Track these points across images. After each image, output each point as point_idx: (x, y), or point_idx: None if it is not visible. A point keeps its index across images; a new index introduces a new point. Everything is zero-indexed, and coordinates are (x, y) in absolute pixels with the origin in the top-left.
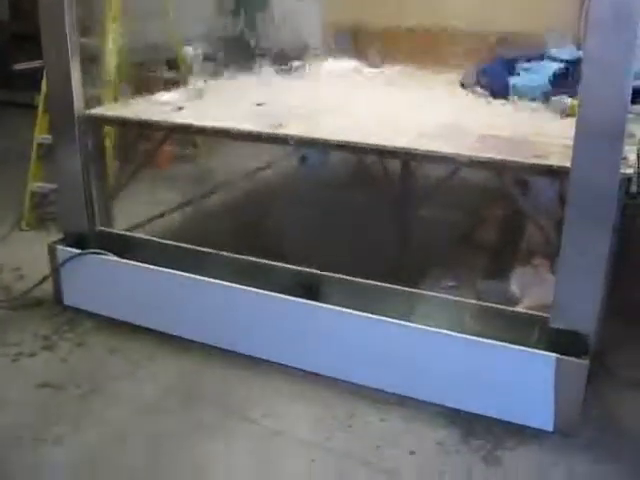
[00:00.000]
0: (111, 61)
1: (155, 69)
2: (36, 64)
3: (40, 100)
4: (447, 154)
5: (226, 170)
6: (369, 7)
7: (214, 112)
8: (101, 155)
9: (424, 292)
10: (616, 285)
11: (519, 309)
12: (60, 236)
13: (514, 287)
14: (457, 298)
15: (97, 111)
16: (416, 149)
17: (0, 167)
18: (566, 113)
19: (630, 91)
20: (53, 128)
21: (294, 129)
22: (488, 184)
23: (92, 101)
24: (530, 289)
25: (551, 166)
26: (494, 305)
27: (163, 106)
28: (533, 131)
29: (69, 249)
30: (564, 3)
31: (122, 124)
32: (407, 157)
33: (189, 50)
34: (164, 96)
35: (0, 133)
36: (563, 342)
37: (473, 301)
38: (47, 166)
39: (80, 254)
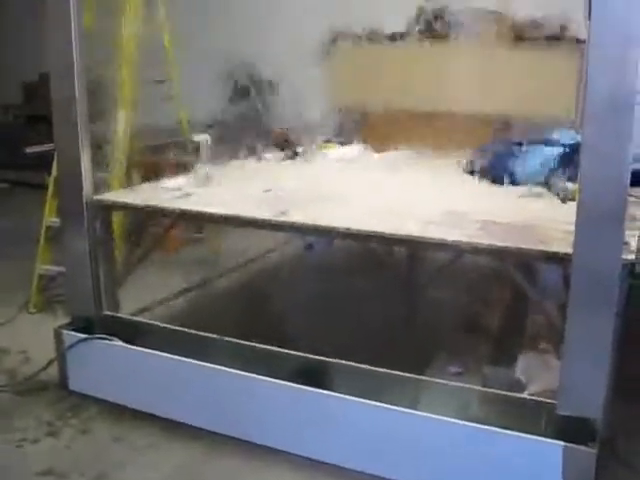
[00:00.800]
0: (120, 147)
1: (163, 153)
2: (47, 148)
3: (50, 183)
4: (450, 242)
5: (233, 254)
6: (373, 91)
7: (221, 199)
8: (109, 239)
9: (430, 379)
10: (623, 366)
11: (525, 396)
12: (67, 319)
13: (520, 373)
14: (463, 385)
15: (106, 197)
16: (419, 237)
17: (9, 248)
18: (568, 198)
19: (629, 176)
20: (62, 212)
21: (299, 216)
22: (492, 268)
23: (101, 185)
24: (536, 375)
25: (553, 252)
26: (500, 392)
27: (171, 192)
28: (535, 216)
29: (75, 334)
30: (563, 87)
31: (130, 210)
32: (411, 245)
33: (197, 137)
34: (172, 182)
35: (10, 213)
36: (570, 429)
37: (479, 388)
38: (55, 248)
39: (86, 339)
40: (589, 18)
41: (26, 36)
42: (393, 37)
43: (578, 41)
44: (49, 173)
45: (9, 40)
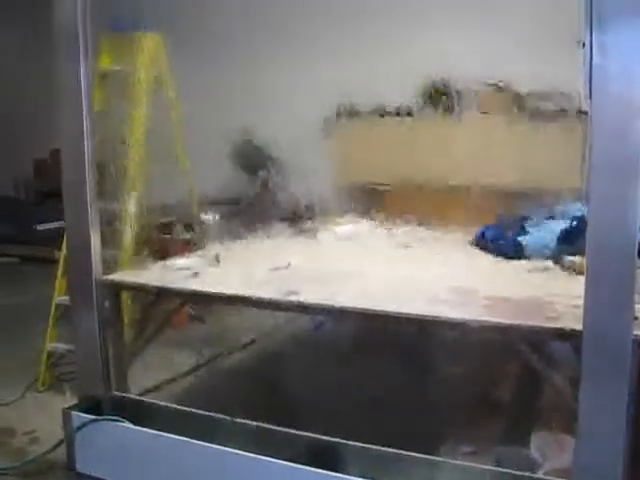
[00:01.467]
0: (130, 225)
1: (173, 231)
2: (57, 225)
3: (60, 261)
4: (457, 320)
5: (241, 330)
6: (380, 167)
7: (230, 278)
8: (118, 319)
9: (442, 459)
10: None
11: (541, 476)
12: (76, 398)
13: (534, 451)
14: (476, 465)
15: (115, 277)
16: (426, 316)
17: (18, 324)
18: (577, 271)
19: (637, 247)
20: (71, 291)
21: (308, 295)
22: (503, 344)
23: (110, 263)
24: (551, 453)
25: (563, 329)
26: (514, 472)
27: (180, 272)
28: (544, 292)
29: (83, 415)
30: (568, 158)
31: (139, 290)
32: (418, 324)
33: (205, 216)
34: (181, 261)
35: (20, 289)
36: None
37: (492, 468)
38: (65, 326)
39: (94, 420)
40: (590, 97)
41: (37, 113)
42: (398, 112)
43: (582, 112)
44: (59, 248)
45: (21, 116)
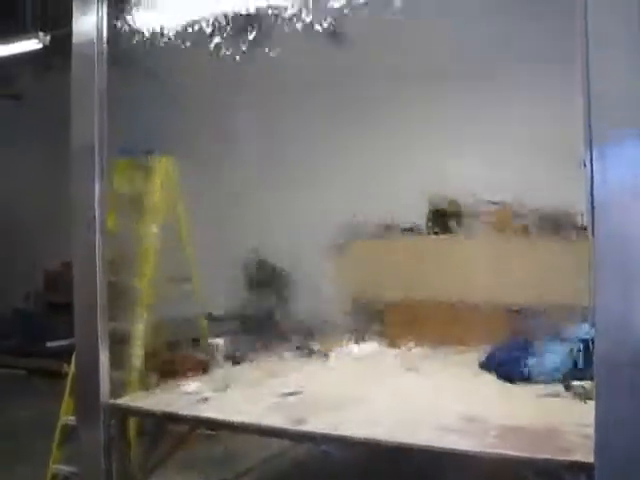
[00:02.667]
0: (139, 346)
1: (181, 351)
2: (67, 342)
3: (68, 379)
4: (466, 452)
5: (249, 452)
6: (388, 284)
7: (239, 404)
8: (125, 442)
9: None
10: None
11: None
12: None
13: None
14: None
15: (123, 401)
16: (436, 447)
17: (24, 441)
18: (587, 397)
19: None
20: (78, 413)
21: (316, 424)
22: (514, 475)
23: (118, 384)
24: None
25: (574, 462)
26: None
27: (188, 396)
28: (554, 420)
29: None
30: (573, 275)
31: (147, 415)
32: (427, 454)
33: (213, 340)
34: (190, 385)
35: (27, 403)
36: None
37: None
38: (70, 444)
39: None
40: (592, 235)
41: (50, 225)
42: (406, 230)
43: (584, 229)
44: (68, 362)
45: (33, 228)
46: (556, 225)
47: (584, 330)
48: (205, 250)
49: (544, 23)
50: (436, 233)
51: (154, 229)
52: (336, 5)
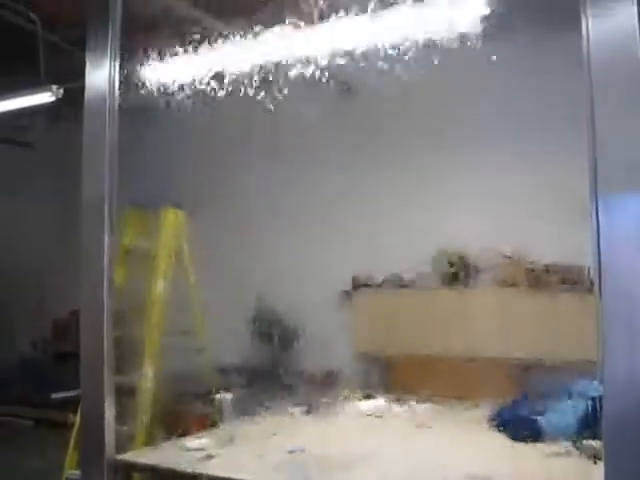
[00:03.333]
0: (145, 400)
1: (187, 405)
2: (73, 394)
3: (74, 431)
4: None
5: None
6: (396, 337)
7: (244, 462)
8: None
9: None
10: None
11: None
12: None
13: None
14: None
15: (128, 456)
16: None
17: None
18: (597, 457)
19: None
20: (82, 467)
21: None
22: None
23: (123, 439)
24: None
25: None
26: None
27: (193, 452)
28: None
29: None
30: (582, 330)
31: (152, 471)
32: None
33: (219, 396)
34: (195, 441)
35: (32, 453)
36: None
37: None
38: None
39: None
40: (599, 289)
41: (59, 273)
42: (413, 283)
43: (593, 284)
44: (74, 412)
45: (42, 276)
46: (566, 279)
47: (594, 387)
48: (213, 302)
49: (551, 77)
50: (444, 286)
51: (162, 282)
52: (344, 61)
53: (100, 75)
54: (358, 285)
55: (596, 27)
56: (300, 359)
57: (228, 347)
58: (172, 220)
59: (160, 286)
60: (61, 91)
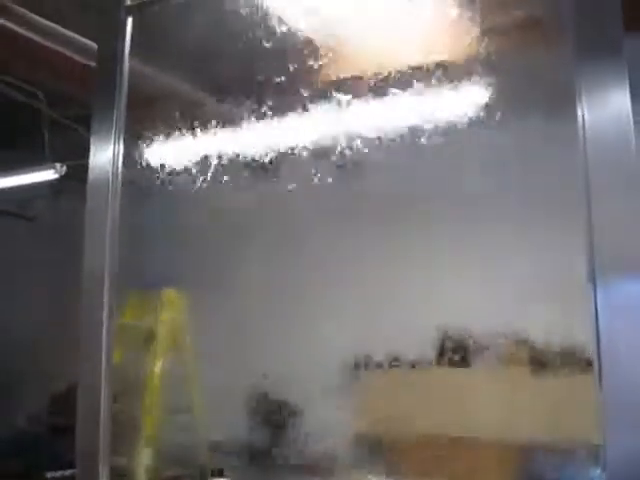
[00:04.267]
0: None
1: None
2: (69, 473)
3: None
4: None
5: None
6: (398, 418)
7: None
8: None
9: None
10: None
11: None
12: None
13: None
14: None
15: None
16: None
17: None
18: None
19: None
20: None
21: None
22: None
23: None
24: None
25: None
26: None
27: None
28: None
29: None
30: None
31: None
32: None
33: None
34: None
35: None
36: None
37: None
38: None
39: None
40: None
41: (56, 347)
42: (414, 362)
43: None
44: None
45: (38, 350)
46: (566, 359)
47: (596, 474)
48: (211, 381)
49: (549, 163)
50: (445, 366)
51: (160, 362)
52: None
53: (104, 155)
54: (358, 365)
55: (591, 116)
56: (298, 439)
57: (226, 427)
58: (172, 301)
59: (158, 366)
60: (64, 169)
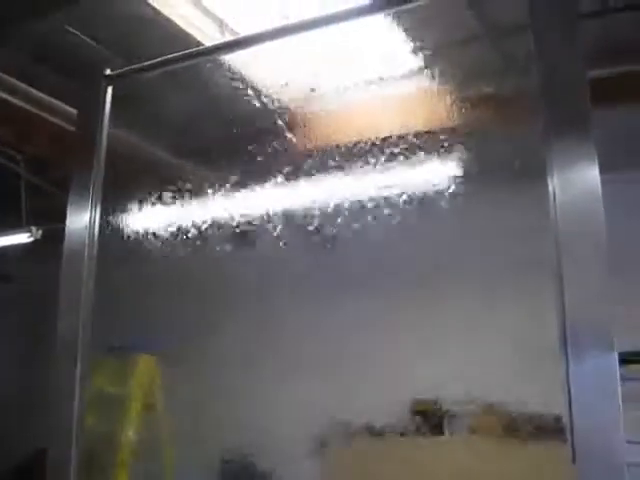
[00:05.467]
0: None
1: None
2: None
3: None
4: None
5: None
6: None
7: None
8: None
9: None
10: None
11: None
12: None
13: None
14: None
15: None
16: None
17: None
18: None
19: None
20: None
21: None
22: None
23: None
24: None
25: None
26: None
27: None
28: None
29: None
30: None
31: None
32: None
33: None
34: None
35: None
36: None
37: None
38: None
39: None
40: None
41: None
42: (386, 431)
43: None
44: None
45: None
46: (539, 428)
47: None
48: (183, 446)
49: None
50: (418, 434)
51: (132, 428)
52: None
53: (80, 223)
54: (331, 434)
55: (562, 188)
56: None
57: None
58: (144, 366)
59: (130, 432)
60: (40, 232)
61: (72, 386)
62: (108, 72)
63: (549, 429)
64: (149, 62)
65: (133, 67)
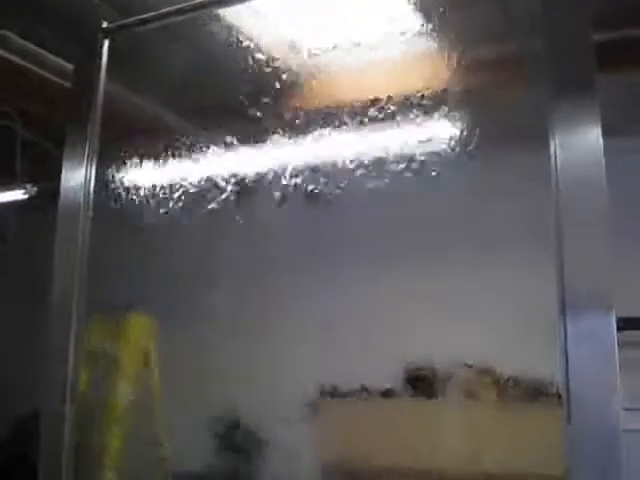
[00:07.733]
0: None
1: None
2: None
3: None
4: None
5: None
6: (364, 449)
7: None
8: None
9: None
10: None
11: None
12: None
13: None
14: None
15: None
16: None
17: None
18: None
19: None
20: None
21: None
22: None
23: None
24: None
25: None
26: None
27: None
28: None
29: None
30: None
31: None
32: None
33: None
34: None
35: None
36: None
37: None
38: None
39: None
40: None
41: (24, 371)
42: (380, 393)
43: (560, 396)
44: None
45: (3, 373)
46: (532, 391)
47: None
48: (178, 410)
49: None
50: (411, 397)
51: (126, 388)
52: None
53: (76, 179)
54: (324, 395)
55: (564, 153)
56: (265, 470)
57: (192, 457)
58: (139, 326)
59: (124, 393)
60: (35, 189)
61: (66, 345)
62: (105, 25)
63: (546, 392)
64: (147, 15)
65: (130, 20)
